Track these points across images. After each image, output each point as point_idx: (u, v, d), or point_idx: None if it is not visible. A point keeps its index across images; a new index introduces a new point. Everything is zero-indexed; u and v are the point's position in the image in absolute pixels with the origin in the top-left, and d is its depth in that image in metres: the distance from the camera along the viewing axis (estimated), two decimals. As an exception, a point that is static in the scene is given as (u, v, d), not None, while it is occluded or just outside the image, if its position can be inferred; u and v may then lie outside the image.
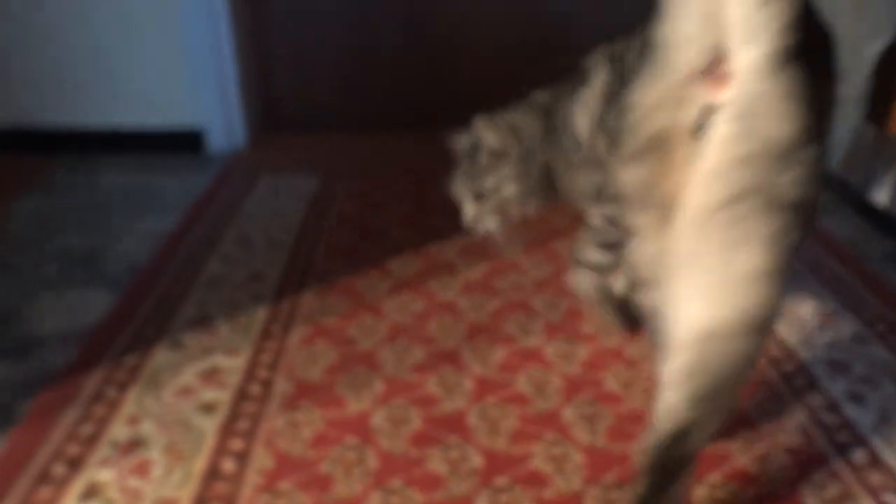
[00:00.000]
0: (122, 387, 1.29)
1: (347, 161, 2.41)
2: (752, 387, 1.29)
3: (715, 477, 1.10)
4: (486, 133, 1.36)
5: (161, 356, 1.38)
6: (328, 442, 1.17)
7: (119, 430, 1.19)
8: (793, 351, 1.39)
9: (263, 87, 2.62)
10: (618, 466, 1.12)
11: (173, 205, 2.08)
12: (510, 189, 1.37)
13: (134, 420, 1.21)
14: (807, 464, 1.13)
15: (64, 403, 1.24)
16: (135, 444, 1.16)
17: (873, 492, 1.07)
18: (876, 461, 1.13)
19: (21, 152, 2.46)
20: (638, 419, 1.22)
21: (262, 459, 1.13)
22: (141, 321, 1.49)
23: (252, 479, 1.09)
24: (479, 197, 1.39)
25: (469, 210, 1.40)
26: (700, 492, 1.07)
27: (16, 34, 2.35)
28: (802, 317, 1.50)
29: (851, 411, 1.24)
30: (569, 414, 1.23)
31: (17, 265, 1.75)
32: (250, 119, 2.56)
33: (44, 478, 1.09)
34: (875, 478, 1.10)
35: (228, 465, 1.12)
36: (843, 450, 1.15)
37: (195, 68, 2.39)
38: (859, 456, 1.14)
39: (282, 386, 1.30)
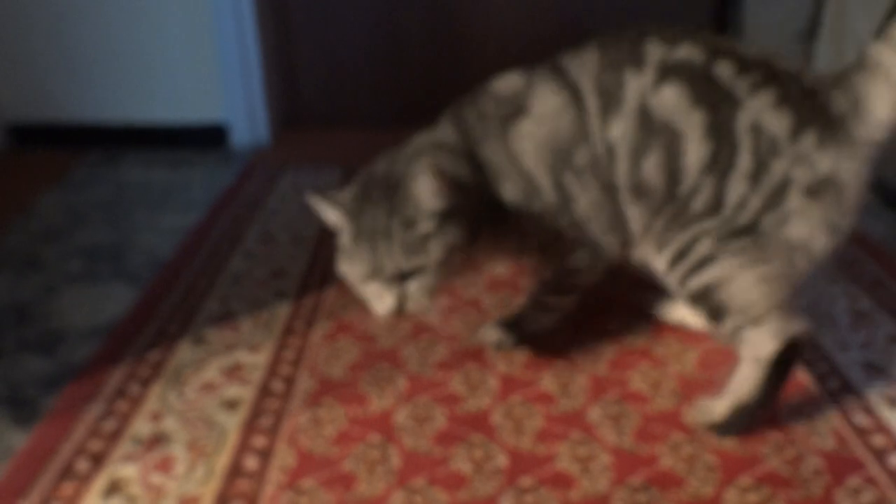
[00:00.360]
0: (145, 382, 1.29)
1: (371, 155, 2.38)
2: (785, 389, 1.26)
3: (746, 480, 1.07)
4: (426, 195, 1.08)
5: (184, 352, 1.37)
6: (351, 439, 1.16)
7: (142, 426, 1.18)
8: (826, 352, 1.36)
9: (287, 81, 2.62)
10: (645, 468, 1.10)
11: (197, 200, 2.08)
12: (456, 258, 1.13)
13: (157, 416, 1.21)
14: (841, 468, 1.09)
15: (87, 399, 1.24)
16: (157, 441, 1.15)
17: (911, 497, 1.04)
18: (913, 466, 1.10)
19: (47, 147, 2.48)
20: (665, 419, 1.19)
21: (284, 457, 1.12)
22: (164, 317, 1.49)
23: (274, 476, 1.08)
24: (405, 276, 1.10)
25: (388, 298, 1.11)
26: (730, 494, 1.05)
27: (42, 29, 2.36)
28: (836, 317, 1.46)
29: (887, 414, 1.20)
30: (595, 414, 1.21)
31: (42, 260, 1.76)
32: (274, 114, 2.56)
33: (66, 473, 1.09)
34: (913, 483, 1.07)
35: (251, 463, 1.11)
36: (879, 454, 1.12)
37: (219, 63, 2.39)
38: (896, 460, 1.11)
39: (304, 383, 1.29)
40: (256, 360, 1.35)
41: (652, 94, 1.10)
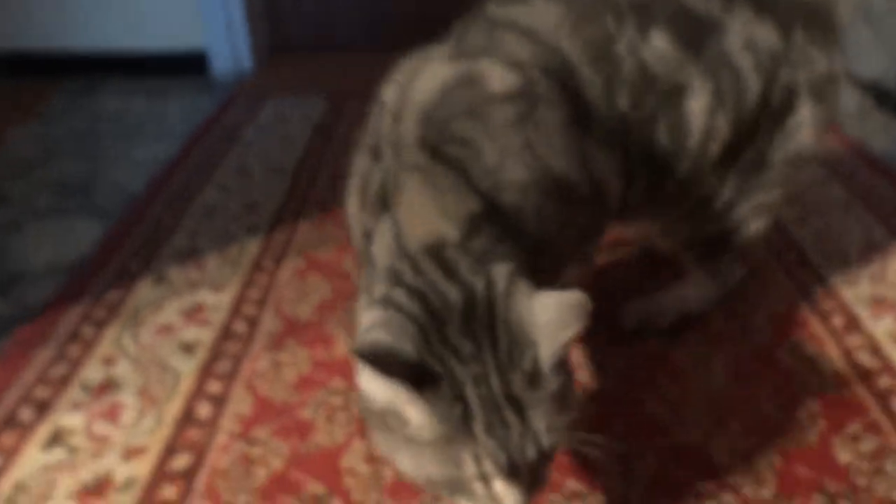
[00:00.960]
0: (100, 325, 1.21)
1: (357, 82, 2.24)
2: (785, 326, 1.16)
3: (736, 425, 0.99)
4: (548, 329, 0.68)
5: (144, 291, 1.29)
6: (312, 385, 1.08)
7: (92, 372, 1.11)
8: (832, 287, 1.25)
9: (270, 5, 2.47)
10: (628, 413, 1.02)
11: (174, 131, 1.98)
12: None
13: (109, 361, 1.13)
14: (840, 413, 1.00)
15: (38, 343, 1.17)
16: (107, 387, 1.08)
17: (916, 445, 0.95)
18: (921, 411, 1.01)
19: (19, 77, 2.37)
20: (648, 358, 1.11)
21: (240, 404, 1.05)
22: (127, 254, 1.40)
23: (227, 424, 1.01)
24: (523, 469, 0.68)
25: (519, 493, 0.68)
26: (720, 441, 0.96)
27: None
28: (845, 249, 1.35)
29: (895, 354, 1.10)
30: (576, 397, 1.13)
31: (8, 195, 1.68)
32: (256, 39, 2.42)
33: (9, 422, 1.02)
34: (919, 429, 0.98)
35: (204, 410, 1.04)
36: (883, 397, 1.03)
37: (197, -15, 2.25)
38: (902, 405, 1.02)
39: (269, 324, 1.21)
40: (219, 300, 1.27)
41: (643, 47, 0.93)
